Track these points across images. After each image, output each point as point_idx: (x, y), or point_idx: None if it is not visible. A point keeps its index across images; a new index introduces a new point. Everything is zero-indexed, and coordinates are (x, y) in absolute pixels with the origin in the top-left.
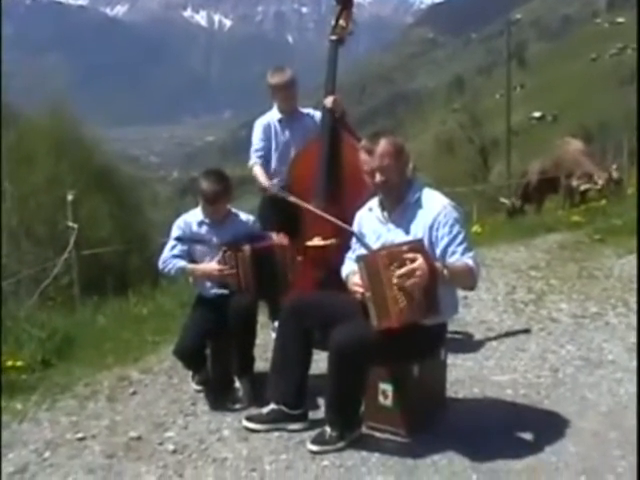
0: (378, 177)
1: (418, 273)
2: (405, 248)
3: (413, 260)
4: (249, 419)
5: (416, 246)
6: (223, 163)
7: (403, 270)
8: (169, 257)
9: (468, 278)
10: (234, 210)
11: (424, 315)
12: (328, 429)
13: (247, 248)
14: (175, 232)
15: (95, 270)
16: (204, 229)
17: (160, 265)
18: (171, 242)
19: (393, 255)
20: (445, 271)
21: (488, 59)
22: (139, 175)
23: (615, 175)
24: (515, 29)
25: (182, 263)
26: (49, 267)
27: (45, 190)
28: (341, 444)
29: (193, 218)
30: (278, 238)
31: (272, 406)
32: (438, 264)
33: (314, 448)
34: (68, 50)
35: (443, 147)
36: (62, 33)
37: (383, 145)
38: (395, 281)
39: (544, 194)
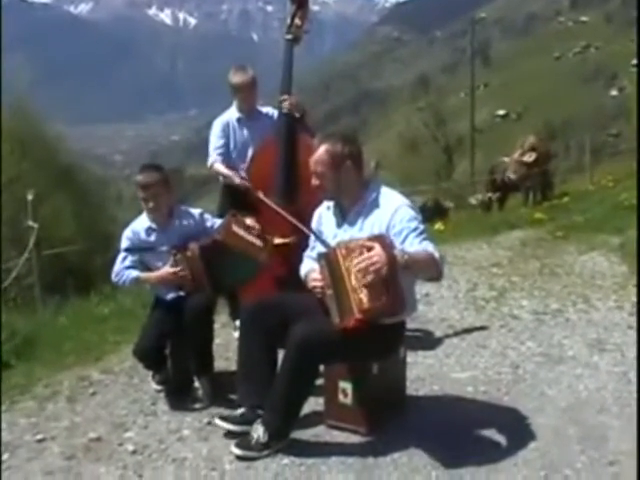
0: (314, 180)
1: (375, 259)
2: (363, 241)
3: (370, 248)
4: (223, 419)
5: (374, 237)
6: (188, 162)
7: (360, 258)
8: (121, 269)
9: (431, 266)
10: (183, 207)
11: (389, 309)
12: (255, 434)
13: (194, 247)
14: (124, 243)
15: (58, 270)
16: (152, 235)
17: (114, 278)
18: (122, 254)
19: (351, 247)
20: (405, 256)
21: (453, 57)
22: (104, 174)
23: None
24: (479, 27)
25: (135, 273)
26: (12, 267)
27: (8, 189)
28: (266, 452)
29: (140, 226)
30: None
31: (243, 409)
32: (397, 251)
33: (237, 452)
34: (32, 48)
35: (407, 145)
36: (26, 31)
37: (319, 152)
38: (354, 271)
39: (507, 192)
